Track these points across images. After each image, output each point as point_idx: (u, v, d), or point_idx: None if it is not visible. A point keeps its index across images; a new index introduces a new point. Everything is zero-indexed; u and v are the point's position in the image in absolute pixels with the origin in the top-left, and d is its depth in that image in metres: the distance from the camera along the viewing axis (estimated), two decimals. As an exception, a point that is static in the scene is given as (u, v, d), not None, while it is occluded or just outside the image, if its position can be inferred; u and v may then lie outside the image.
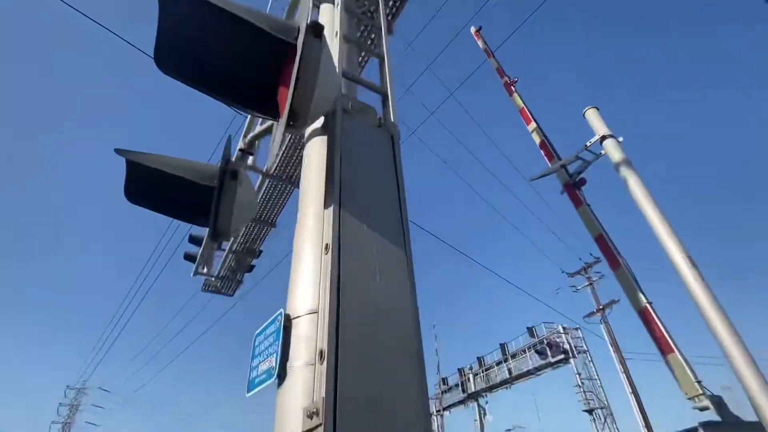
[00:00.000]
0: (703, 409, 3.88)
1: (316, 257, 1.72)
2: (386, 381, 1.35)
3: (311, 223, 1.87)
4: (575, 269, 27.07)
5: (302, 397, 1.39)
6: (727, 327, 3.72)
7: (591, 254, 26.80)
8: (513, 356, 24.25)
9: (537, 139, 7.04)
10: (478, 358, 28.26)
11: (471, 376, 26.58)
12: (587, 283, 25.89)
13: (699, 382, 4.03)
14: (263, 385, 1.68)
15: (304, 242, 1.84)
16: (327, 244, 1.63)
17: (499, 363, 25.52)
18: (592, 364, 24.05)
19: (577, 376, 24.60)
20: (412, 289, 1.68)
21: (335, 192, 1.76)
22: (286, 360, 1.55)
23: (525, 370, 21.86)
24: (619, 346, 22.81)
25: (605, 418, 24.33)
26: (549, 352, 20.02)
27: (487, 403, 25.09)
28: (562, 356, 20.05)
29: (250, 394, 1.79)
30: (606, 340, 22.99)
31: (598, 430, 23.94)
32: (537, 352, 20.58)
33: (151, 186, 2.20)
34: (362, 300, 1.51)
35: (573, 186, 6.02)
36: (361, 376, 1.32)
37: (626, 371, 21.92)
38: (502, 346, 25.90)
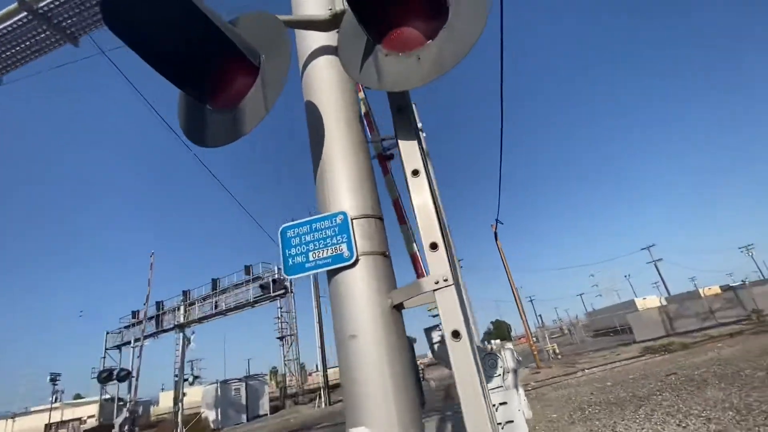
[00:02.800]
0: (436, 316, 6.33)
1: (364, 165, 2.16)
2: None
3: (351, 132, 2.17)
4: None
5: (385, 280, 1.71)
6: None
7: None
8: (224, 291, 24.99)
9: (363, 108, 8.27)
10: (183, 291, 27.21)
11: (182, 307, 25.48)
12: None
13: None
14: (326, 268, 1.82)
15: (352, 149, 2.07)
16: (415, 170, 2.12)
17: (207, 297, 25.72)
18: (293, 301, 28.72)
19: (279, 309, 28.73)
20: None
21: (410, 118, 2.21)
22: (356, 249, 1.77)
23: (244, 301, 23.23)
24: (318, 285, 28.26)
25: (292, 342, 30.12)
26: (272, 287, 22.19)
27: (193, 333, 24.84)
28: (282, 291, 22.69)
29: (295, 276, 2.00)
30: (311, 280, 27.95)
31: (284, 351, 29.62)
32: (261, 287, 22.31)
33: (161, 18, 1.68)
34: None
35: (385, 158, 7.65)
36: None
37: (318, 306, 27.55)
38: (214, 281, 26.22)
